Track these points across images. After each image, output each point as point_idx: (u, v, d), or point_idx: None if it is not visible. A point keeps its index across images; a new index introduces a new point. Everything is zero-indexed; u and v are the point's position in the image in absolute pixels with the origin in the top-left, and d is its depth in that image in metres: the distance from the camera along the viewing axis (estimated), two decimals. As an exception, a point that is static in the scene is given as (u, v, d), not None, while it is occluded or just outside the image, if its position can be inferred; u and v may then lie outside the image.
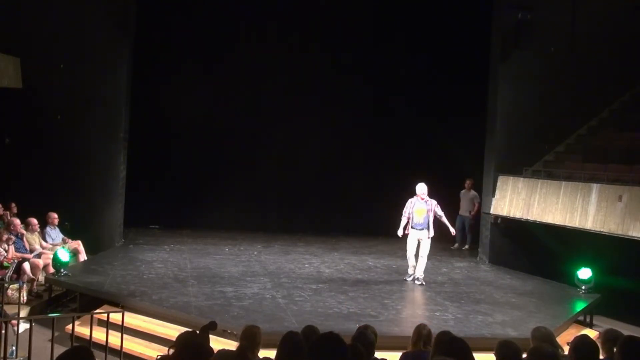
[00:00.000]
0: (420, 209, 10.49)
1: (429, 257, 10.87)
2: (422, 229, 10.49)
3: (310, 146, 15.22)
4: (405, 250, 10.87)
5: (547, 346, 4.45)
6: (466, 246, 14.13)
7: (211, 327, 4.53)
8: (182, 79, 14.27)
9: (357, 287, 10.40)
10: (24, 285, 9.39)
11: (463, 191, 14.13)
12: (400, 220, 10.62)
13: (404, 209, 10.59)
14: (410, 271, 10.91)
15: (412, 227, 10.56)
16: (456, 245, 14.11)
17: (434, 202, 10.56)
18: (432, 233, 10.54)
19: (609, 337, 4.95)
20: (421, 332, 5.22)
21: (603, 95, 13.42)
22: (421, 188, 10.57)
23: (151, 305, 8.66)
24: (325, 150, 15.26)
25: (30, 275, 9.71)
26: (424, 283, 10.64)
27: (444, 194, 12.68)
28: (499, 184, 12.84)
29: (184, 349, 4.01)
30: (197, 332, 4.49)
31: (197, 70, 14.40)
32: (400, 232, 10.66)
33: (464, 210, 14.05)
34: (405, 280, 10.95)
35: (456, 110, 14.56)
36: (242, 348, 4.78)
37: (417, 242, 10.58)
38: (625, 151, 11.94)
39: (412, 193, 10.75)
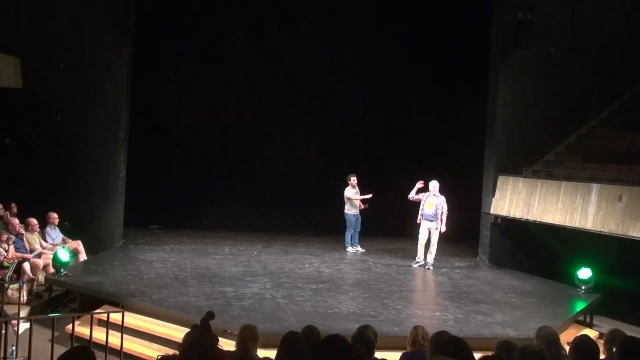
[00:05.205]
0: (431, 202, 11.89)
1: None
2: (432, 221, 11.84)
3: (310, 146, 15.24)
4: (417, 239, 12.08)
5: (536, 345, 4.47)
6: (359, 249, 13.44)
7: (210, 317, 4.51)
8: (182, 79, 14.26)
9: (357, 287, 10.42)
10: (24, 285, 9.39)
11: (353, 189, 13.23)
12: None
13: (419, 195, 12.06)
14: (417, 258, 12.10)
15: (423, 219, 11.90)
16: (353, 249, 13.39)
17: (443, 198, 11.91)
18: (444, 228, 11.83)
19: (612, 338, 4.95)
20: (417, 332, 5.23)
21: (603, 95, 13.42)
22: (432, 184, 11.95)
23: (151, 305, 8.65)
24: (325, 150, 15.26)
25: (30, 275, 9.70)
26: (431, 268, 11.95)
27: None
28: (499, 184, 12.84)
29: (189, 350, 4.01)
30: (197, 324, 4.48)
31: (197, 70, 14.38)
32: (420, 184, 12.12)
33: (357, 208, 13.22)
34: (412, 266, 12.12)
35: (456, 111, 14.55)
36: (244, 346, 4.79)
37: (427, 232, 11.90)
38: (625, 151, 11.94)
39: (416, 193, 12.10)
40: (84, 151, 12.19)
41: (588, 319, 9.87)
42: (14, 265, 9.60)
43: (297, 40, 14.89)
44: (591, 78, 12.97)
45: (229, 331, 7.31)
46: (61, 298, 9.94)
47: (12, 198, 11.32)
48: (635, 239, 10.00)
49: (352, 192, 13.18)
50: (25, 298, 9.39)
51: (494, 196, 12.91)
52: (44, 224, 11.08)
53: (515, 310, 9.35)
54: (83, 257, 11.15)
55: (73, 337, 7.88)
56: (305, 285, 10.10)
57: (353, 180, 13.19)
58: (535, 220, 11.93)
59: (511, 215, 12.47)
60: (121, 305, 8.57)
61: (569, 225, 11.18)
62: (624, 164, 11.45)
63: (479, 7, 13.48)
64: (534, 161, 12.93)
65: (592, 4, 13.01)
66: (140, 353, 7.91)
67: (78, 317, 8.51)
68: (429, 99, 14.99)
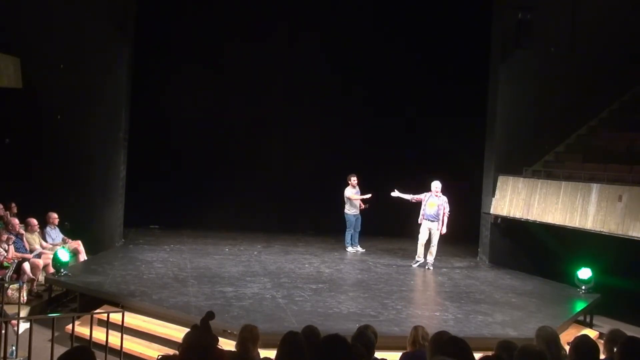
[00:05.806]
0: (432, 202, 11.86)
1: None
2: (433, 221, 11.82)
3: (310, 146, 15.22)
4: (417, 238, 12.06)
5: (536, 345, 4.47)
6: (359, 249, 13.45)
7: (210, 317, 4.52)
8: (182, 79, 14.26)
9: (357, 287, 10.42)
10: (24, 285, 9.39)
11: (354, 189, 13.24)
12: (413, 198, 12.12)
13: (420, 195, 12.00)
14: (417, 258, 12.07)
15: (424, 219, 11.89)
16: (353, 249, 13.40)
17: (445, 198, 11.86)
18: (444, 230, 11.80)
19: (612, 338, 4.95)
20: (417, 332, 5.23)
21: (603, 95, 13.42)
22: (434, 185, 11.90)
23: (151, 305, 8.65)
24: (325, 150, 15.26)
25: (30, 275, 9.71)
26: (431, 268, 11.92)
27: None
28: (499, 184, 12.84)
29: (189, 350, 4.02)
30: (197, 324, 4.49)
31: (197, 70, 14.38)
32: (395, 193, 12.16)
33: (357, 208, 13.25)
34: (411, 266, 12.09)
35: (456, 110, 14.55)
36: (244, 346, 4.79)
37: (428, 232, 11.87)
38: (625, 151, 11.94)
39: (412, 193, 12.14)
40: (84, 151, 12.19)
41: (588, 319, 9.87)
42: (14, 265, 9.61)
43: (297, 40, 14.90)
44: (591, 78, 12.96)
45: (229, 331, 7.31)
46: (61, 298, 9.94)
47: (12, 198, 11.33)
48: (635, 239, 10.00)
49: (352, 192, 13.19)
50: (25, 298, 9.39)
51: (494, 196, 12.91)
52: (44, 224, 11.08)
53: (515, 310, 9.35)
54: (83, 257, 11.15)
55: (73, 337, 7.89)
56: (305, 285, 10.10)
57: (353, 180, 13.20)
58: (535, 220, 11.93)
59: (511, 215, 12.47)
60: (121, 305, 8.57)
61: (569, 225, 11.18)
62: (624, 164, 11.45)
63: (479, 7, 13.48)
64: (534, 161, 12.93)
65: (592, 4, 13.00)
66: (140, 353, 7.91)
67: (78, 317, 8.51)
68: (429, 99, 14.98)
